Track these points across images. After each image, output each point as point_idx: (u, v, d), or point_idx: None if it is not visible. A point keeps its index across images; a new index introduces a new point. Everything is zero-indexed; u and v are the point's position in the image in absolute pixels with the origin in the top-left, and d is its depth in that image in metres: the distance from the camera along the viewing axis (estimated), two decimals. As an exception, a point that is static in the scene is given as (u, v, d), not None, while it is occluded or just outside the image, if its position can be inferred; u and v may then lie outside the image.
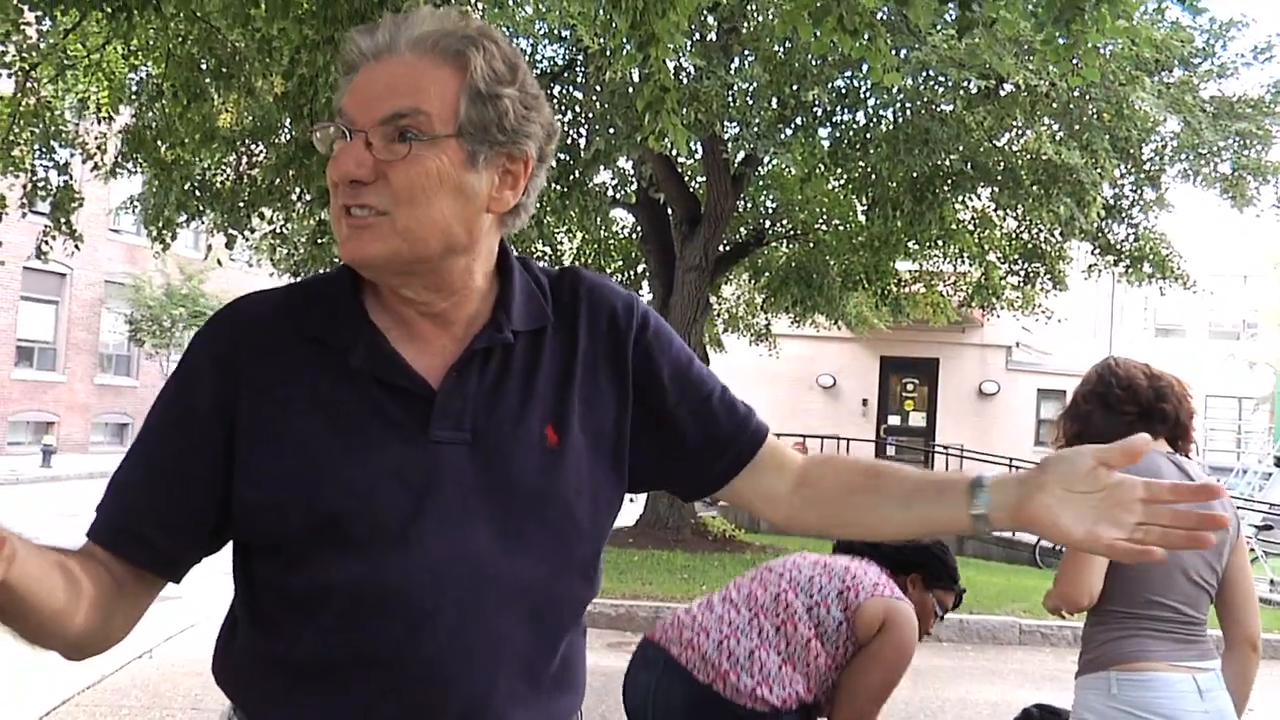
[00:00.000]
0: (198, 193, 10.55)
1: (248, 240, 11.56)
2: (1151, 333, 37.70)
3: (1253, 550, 13.27)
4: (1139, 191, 12.21)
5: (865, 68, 9.71)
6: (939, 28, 9.05)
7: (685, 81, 8.14)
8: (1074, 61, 4.01)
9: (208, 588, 9.70)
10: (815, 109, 10.14)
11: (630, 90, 9.33)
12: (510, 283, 1.34)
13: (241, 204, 10.83)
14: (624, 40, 4.26)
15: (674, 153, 11.46)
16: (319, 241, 6.35)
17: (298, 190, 6.54)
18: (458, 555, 1.23)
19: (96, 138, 9.99)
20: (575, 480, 1.32)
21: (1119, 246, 12.54)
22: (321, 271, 12.41)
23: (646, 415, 1.39)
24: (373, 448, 1.24)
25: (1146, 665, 2.55)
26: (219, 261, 12.24)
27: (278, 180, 10.48)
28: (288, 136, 9.84)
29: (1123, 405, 2.75)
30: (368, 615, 1.20)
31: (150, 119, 9.02)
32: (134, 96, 9.59)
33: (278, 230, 9.76)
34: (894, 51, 8.95)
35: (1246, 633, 2.73)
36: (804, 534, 1.53)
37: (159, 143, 8.54)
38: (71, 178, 9.81)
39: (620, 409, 1.37)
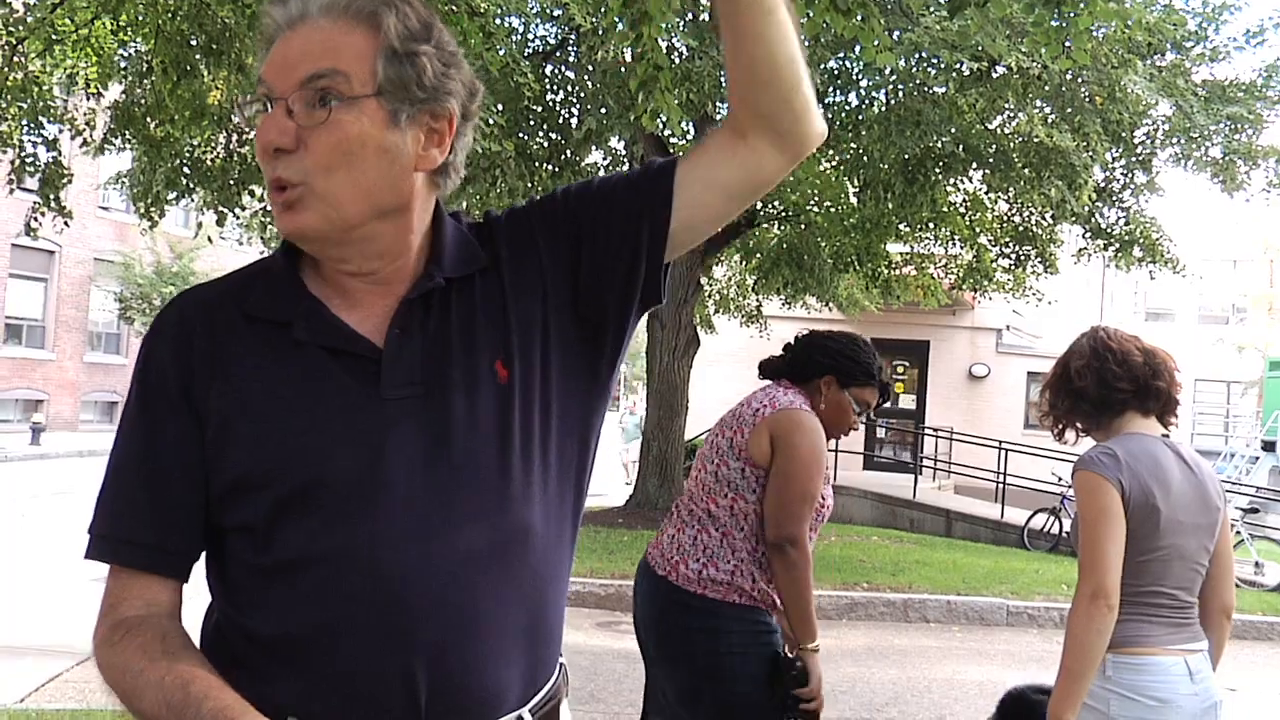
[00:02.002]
0: (187, 170, 10.50)
1: (238, 218, 11.50)
2: (1141, 316, 37.81)
3: (1239, 533, 13.35)
4: (1130, 175, 12.22)
5: (858, 49, 9.70)
6: (931, 9, 9.04)
7: (677, 61, 8.11)
8: (1065, 44, 4.00)
9: (201, 565, 9.63)
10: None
11: (623, 70, 9.30)
12: (441, 235, 1.35)
13: (231, 181, 10.78)
14: (616, 19, 4.24)
15: (666, 133, 11.44)
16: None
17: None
18: (426, 511, 1.24)
19: (85, 114, 9.93)
20: (538, 410, 1.33)
21: (1109, 230, 12.55)
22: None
23: (572, 270, 1.37)
24: (329, 415, 1.25)
25: (1142, 649, 2.58)
26: (209, 239, 12.19)
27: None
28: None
29: (1119, 382, 2.73)
30: (341, 581, 1.21)
31: (139, 95, 8.96)
32: (123, 72, 9.53)
33: (268, 208, 9.71)
34: (886, 32, 8.93)
35: (1223, 603, 2.77)
36: (757, 109, 1.31)
37: (148, 119, 8.48)
38: (60, 153, 9.75)
39: (553, 305, 1.36)
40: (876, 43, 3.71)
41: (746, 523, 3.08)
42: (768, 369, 3.38)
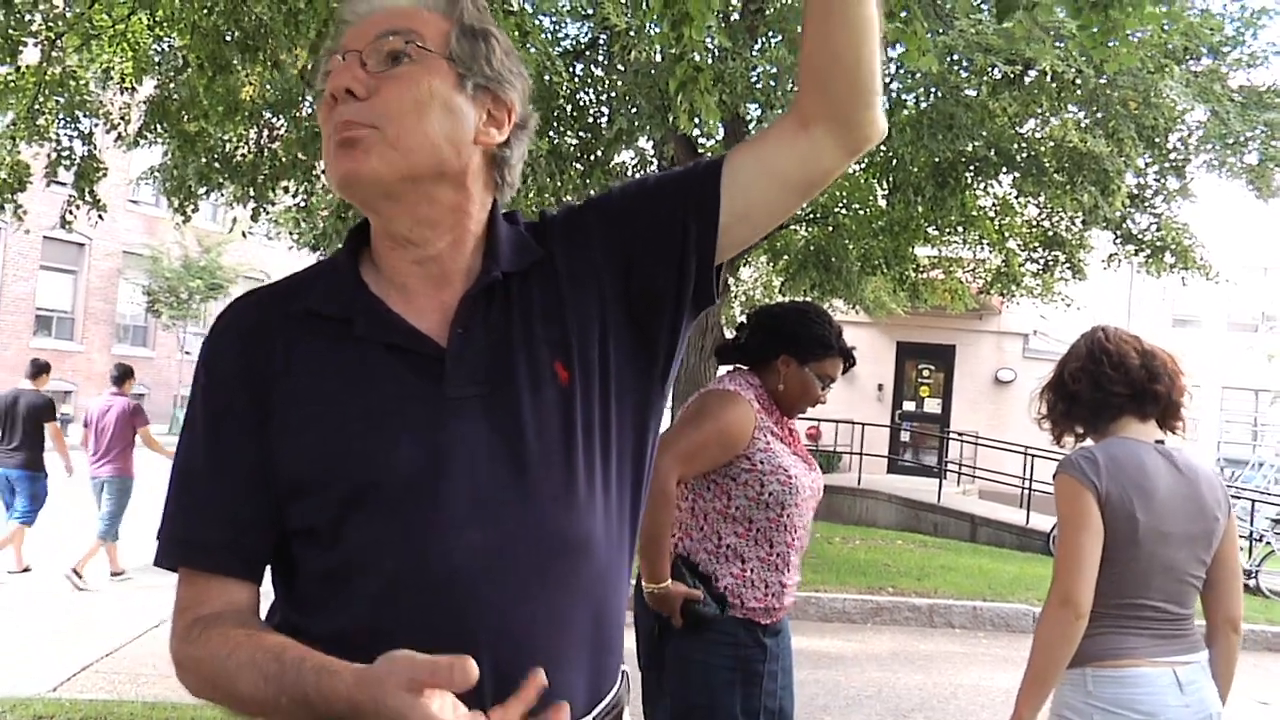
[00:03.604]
0: (218, 164, 10.55)
1: (268, 214, 11.55)
2: (1169, 323, 37.48)
3: (1269, 544, 13.22)
4: (1163, 180, 12.11)
5: (896, 50, 9.66)
6: (965, 12, 8.98)
7: (710, 62, 8.09)
8: (1111, 44, 3.95)
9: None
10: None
11: (654, 71, 9.28)
12: (496, 233, 1.36)
13: (262, 177, 10.83)
14: (656, 19, 4.22)
15: (698, 134, 11.41)
16: (342, 216, 6.32)
17: (320, 164, 6.55)
18: (489, 513, 1.23)
19: (120, 108, 9.99)
20: (598, 412, 1.32)
21: (1141, 236, 12.44)
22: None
23: (626, 270, 1.36)
24: (393, 414, 1.25)
25: (1124, 662, 2.51)
26: (244, 234, 12.27)
27: (301, 155, 10.46)
28: (310, 110, 9.83)
29: (1114, 385, 2.66)
30: (404, 584, 1.20)
31: (173, 90, 9.01)
32: (157, 67, 9.58)
33: (301, 203, 9.76)
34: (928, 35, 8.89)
35: (1228, 614, 2.68)
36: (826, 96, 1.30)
37: (183, 114, 8.53)
38: (95, 147, 9.81)
39: (610, 305, 1.35)
40: (920, 45, 3.68)
41: (706, 522, 3.03)
42: (723, 355, 3.33)
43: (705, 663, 2.99)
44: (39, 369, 9.44)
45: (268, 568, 1.32)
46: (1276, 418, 30.98)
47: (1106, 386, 2.67)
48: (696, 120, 4.55)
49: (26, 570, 9.13)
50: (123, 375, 9.48)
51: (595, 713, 1.31)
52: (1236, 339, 33.63)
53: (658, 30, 4.41)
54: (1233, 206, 16.59)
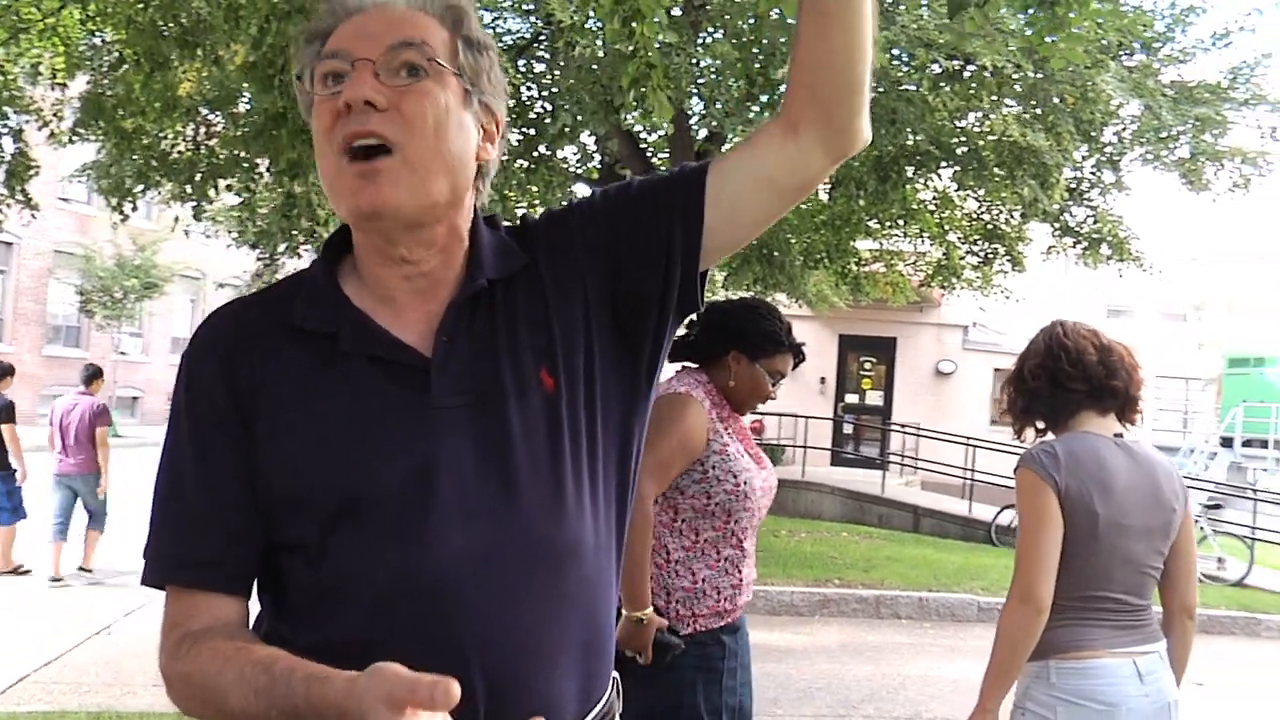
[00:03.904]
0: (154, 162, 10.36)
1: (206, 212, 11.37)
2: (1103, 313, 38.18)
3: (1201, 529, 13.52)
4: (1098, 174, 12.32)
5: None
6: (905, 7, 9.05)
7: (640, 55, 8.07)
8: (1050, 40, 3.99)
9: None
10: (784, 86, 10.10)
11: (596, 66, 9.24)
12: (478, 239, 1.34)
13: (200, 174, 10.65)
14: (607, 15, 4.21)
15: (637, 129, 11.40)
16: (287, 214, 6.23)
17: (265, 161, 6.42)
18: (477, 522, 1.22)
19: (53, 104, 9.77)
20: (584, 419, 1.31)
21: (1078, 229, 12.64)
22: (285, 245, 12.08)
23: (610, 276, 1.35)
24: (380, 426, 1.23)
25: (1086, 653, 2.55)
26: (185, 233, 12.07)
27: (240, 152, 10.30)
28: (252, 108, 9.67)
29: (1073, 382, 2.69)
30: (394, 596, 1.18)
31: (106, 85, 8.81)
32: (89, 63, 9.37)
33: (245, 201, 9.63)
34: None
35: (1184, 603, 2.74)
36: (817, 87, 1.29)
37: (119, 111, 8.34)
38: (27, 145, 9.58)
39: (595, 311, 1.34)
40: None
41: (654, 538, 2.99)
42: (673, 352, 3.32)
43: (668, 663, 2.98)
44: (2, 372, 9.47)
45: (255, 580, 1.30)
46: (1207, 405, 31.67)
47: (1064, 383, 2.71)
48: (649, 115, 4.54)
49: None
50: (91, 376, 9.63)
51: (588, 718, 1.30)
52: (1168, 328, 34.39)
53: (606, 26, 4.39)
54: (1163, 199, 16.91)
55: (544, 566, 1.25)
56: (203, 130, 10.50)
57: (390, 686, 1.01)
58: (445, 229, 1.29)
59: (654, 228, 1.33)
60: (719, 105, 9.34)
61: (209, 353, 1.29)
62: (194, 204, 10.64)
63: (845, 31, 1.26)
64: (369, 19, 1.25)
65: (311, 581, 1.23)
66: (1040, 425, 2.79)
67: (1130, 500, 2.60)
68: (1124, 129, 11.59)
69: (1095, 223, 12.46)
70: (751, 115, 9.41)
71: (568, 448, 1.29)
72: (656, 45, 4.01)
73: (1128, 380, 2.71)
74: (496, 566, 1.22)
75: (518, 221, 1.42)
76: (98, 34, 8.62)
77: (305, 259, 14.14)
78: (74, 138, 9.80)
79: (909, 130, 9.55)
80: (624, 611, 2.91)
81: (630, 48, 3.96)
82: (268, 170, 6.31)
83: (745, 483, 3.02)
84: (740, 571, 3.06)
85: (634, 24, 3.79)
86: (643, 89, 4.09)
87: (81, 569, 9.30)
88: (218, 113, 10.28)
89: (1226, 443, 26.04)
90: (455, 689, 0.98)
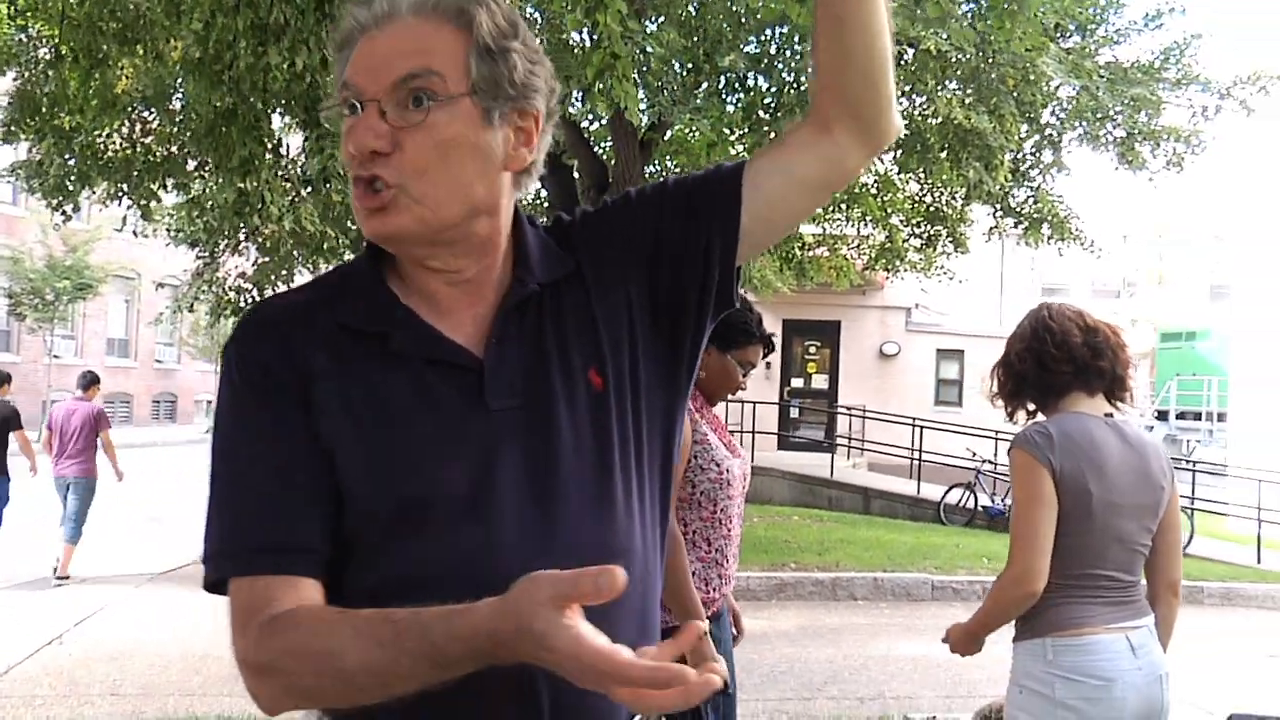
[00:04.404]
0: (88, 161, 10.12)
1: (154, 210, 11.13)
2: (1038, 292, 38.77)
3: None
4: (1038, 154, 12.49)
5: (778, 31, 9.73)
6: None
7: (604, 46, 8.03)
8: (1005, 24, 4.02)
9: (110, 571, 9.39)
10: (729, 74, 10.12)
11: (551, 57, 9.15)
12: (524, 239, 1.33)
13: (136, 173, 10.43)
14: (568, 3, 4.17)
15: (584, 121, 11.34)
16: (239, 212, 6.12)
17: (206, 159, 6.29)
18: (531, 524, 1.22)
19: (-18, 102, 9.50)
20: (630, 419, 1.31)
21: (1019, 209, 12.81)
22: (224, 243, 11.83)
23: (649, 276, 1.35)
24: (436, 429, 1.22)
25: (1082, 630, 2.60)
26: (134, 233, 11.83)
27: (175, 149, 10.10)
28: (187, 104, 9.47)
29: (1058, 364, 2.73)
30: (452, 598, 1.14)
31: (40, 83, 8.56)
32: (16, 59, 9.09)
33: (194, 199, 9.46)
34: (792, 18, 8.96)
35: (1169, 579, 2.79)
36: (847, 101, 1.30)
37: (55, 109, 8.11)
38: (-49, 145, 9.31)
39: (637, 312, 1.34)
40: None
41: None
42: None
43: None
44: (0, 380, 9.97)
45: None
46: (1141, 380, 32.34)
47: (1051, 365, 2.74)
48: (614, 104, 4.52)
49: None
50: (89, 382, 10.07)
51: (637, 717, 1.30)
52: (1101, 305, 35.02)
53: (568, 16, 4.35)
54: (1093, 178, 17.19)
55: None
56: (138, 128, 10.27)
57: (552, 588, 0.99)
58: (479, 238, 1.28)
59: (692, 230, 1.33)
60: (666, 93, 9.32)
61: (263, 338, 1.25)
62: (143, 203, 10.40)
63: (862, 32, 1.27)
64: (377, 42, 1.22)
65: (368, 584, 1.20)
66: (1031, 407, 2.83)
67: (1122, 479, 2.64)
68: (1061, 109, 11.75)
69: (1036, 203, 12.63)
70: (698, 102, 9.42)
71: (616, 448, 1.29)
72: (621, 34, 3.98)
73: (1114, 360, 2.74)
74: (551, 568, 1.21)
75: (552, 221, 1.41)
76: (29, 28, 8.37)
77: (248, 257, 13.93)
78: (10, 136, 9.51)
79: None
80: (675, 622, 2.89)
81: (595, 38, 3.94)
82: (216, 168, 6.18)
83: (727, 470, 3.04)
84: (727, 560, 3.07)
85: (596, 15, 3.76)
86: (609, 79, 4.06)
87: (60, 577, 9.45)
88: (153, 110, 10.07)
89: (1162, 416, 26.64)
90: (621, 574, 0.97)
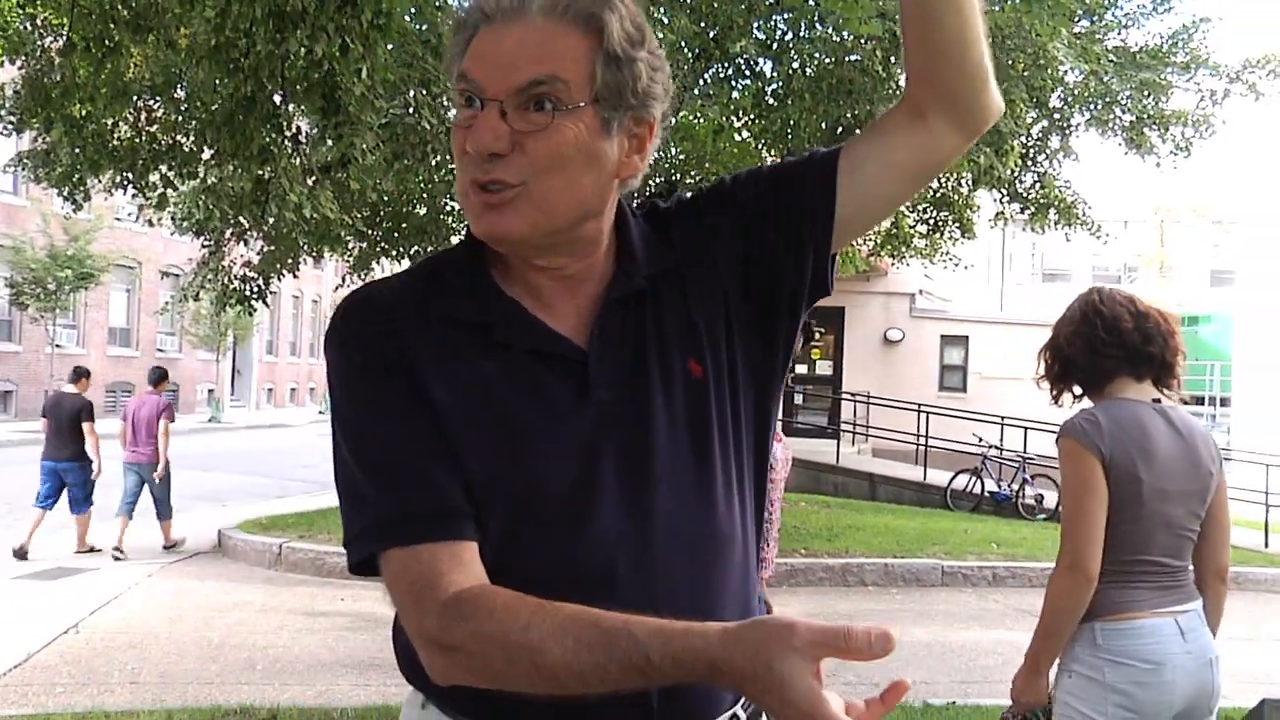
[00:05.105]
0: (98, 150, 10.08)
1: (153, 198, 11.09)
2: (1040, 278, 38.83)
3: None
4: (1045, 139, 12.46)
5: (786, 16, 9.69)
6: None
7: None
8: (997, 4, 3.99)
9: (126, 557, 9.33)
10: (738, 60, 10.09)
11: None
12: (628, 232, 1.32)
13: (141, 161, 10.40)
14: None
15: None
16: (257, 200, 6.09)
17: (230, 147, 6.25)
18: (638, 515, 1.22)
19: (-8, 90, 9.46)
20: (729, 408, 1.31)
21: (1025, 194, 12.79)
22: (234, 230, 11.75)
23: (744, 264, 1.34)
24: (542, 419, 1.22)
25: (1130, 615, 2.60)
26: (149, 222, 11.81)
27: (178, 138, 10.06)
28: (191, 92, 9.44)
29: (1108, 349, 2.72)
30: (561, 588, 1.14)
31: (50, 72, 8.52)
32: (24, 47, 9.05)
33: (211, 186, 9.44)
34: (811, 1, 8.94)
35: (1217, 566, 2.78)
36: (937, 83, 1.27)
37: (65, 99, 8.06)
38: (-42, 134, 9.28)
39: (732, 301, 1.33)
40: (861, 14, 3.67)
41: None
42: None
43: None
44: (79, 374, 10.70)
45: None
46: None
47: (1100, 350, 2.73)
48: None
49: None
50: (159, 377, 11.02)
51: (744, 699, 1.30)
52: (1103, 290, 34.95)
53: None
54: (1097, 163, 17.15)
55: (704, 558, 1.26)
56: (144, 116, 10.24)
57: (811, 635, 0.96)
58: (586, 239, 1.27)
59: (790, 215, 1.32)
60: (674, 79, 9.28)
61: (367, 322, 1.25)
62: (156, 192, 10.37)
63: (954, 14, 1.25)
64: (503, 37, 1.19)
65: None
66: (1078, 391, 2.82)
67: (1171, 466, 2.63)
68: (1070, 94, 11.72)
69: (1043, 188, 12.61)
70: (707, 88, 9.38)
71: (715, 436, 1.29)
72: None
73: (1164, 346, 2.72)
74: (659, 560, 1.22)
75: (648, 208, 1.39)
76: (39, 17, 8.32)
77: (252, 245, 13.89)
78: (20, 126, 9.47)
79: (865, 100, 9.58)
80: None
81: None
82: (233, 156, 6.14)
83: (771, 456, 3.04)
84: (767, 545, 3.07)
85: None
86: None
87: (166, 546, 10.58)
88: (158, 98, 10.04)
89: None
90: (892, 639, 0.95)
